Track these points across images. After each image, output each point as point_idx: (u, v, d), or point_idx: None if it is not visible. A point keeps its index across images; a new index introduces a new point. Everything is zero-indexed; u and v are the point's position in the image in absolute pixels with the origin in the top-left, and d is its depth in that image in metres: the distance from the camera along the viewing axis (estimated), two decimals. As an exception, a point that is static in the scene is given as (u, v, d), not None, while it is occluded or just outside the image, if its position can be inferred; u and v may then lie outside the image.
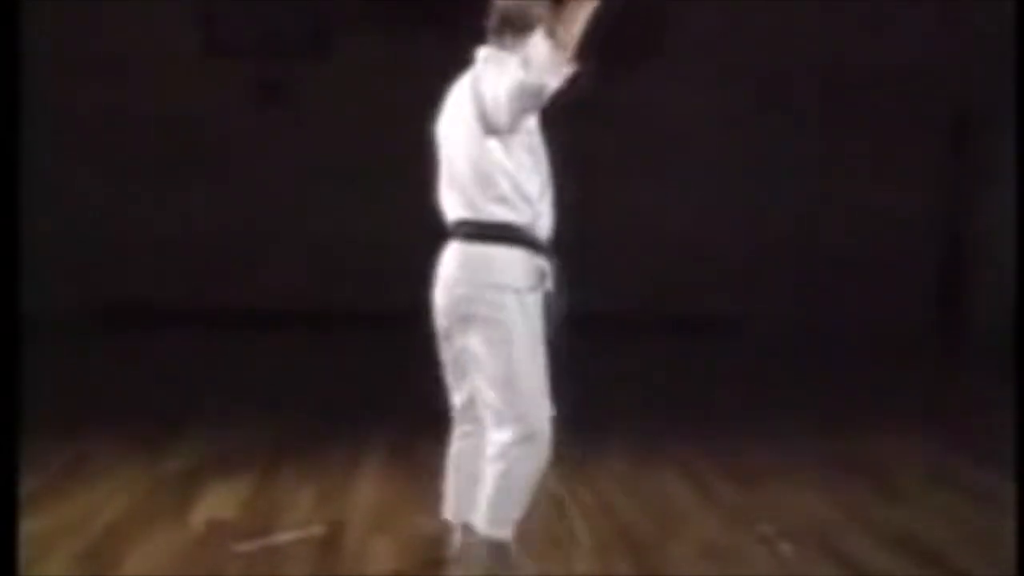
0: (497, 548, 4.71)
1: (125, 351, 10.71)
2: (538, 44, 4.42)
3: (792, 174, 12.05)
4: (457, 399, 4.96)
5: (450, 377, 4.93)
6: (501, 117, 4.54)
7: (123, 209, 11.95)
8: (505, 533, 4.72)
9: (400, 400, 8.26)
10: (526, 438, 4.64)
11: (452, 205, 4.78)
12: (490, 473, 4.68)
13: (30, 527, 5.25)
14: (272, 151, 11.97)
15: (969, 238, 11.93)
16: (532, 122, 4.69)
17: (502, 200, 4.64)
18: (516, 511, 4.73)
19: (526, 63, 4.44)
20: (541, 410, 4.67)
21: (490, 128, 4.59)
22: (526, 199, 4.66)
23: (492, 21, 4.78)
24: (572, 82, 4.51)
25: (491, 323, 4.64)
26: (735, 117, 11.97)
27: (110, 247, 11.92)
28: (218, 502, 6.03)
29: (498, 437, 4.67)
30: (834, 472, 6.79)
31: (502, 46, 4.72)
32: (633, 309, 11.74)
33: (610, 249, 11.84)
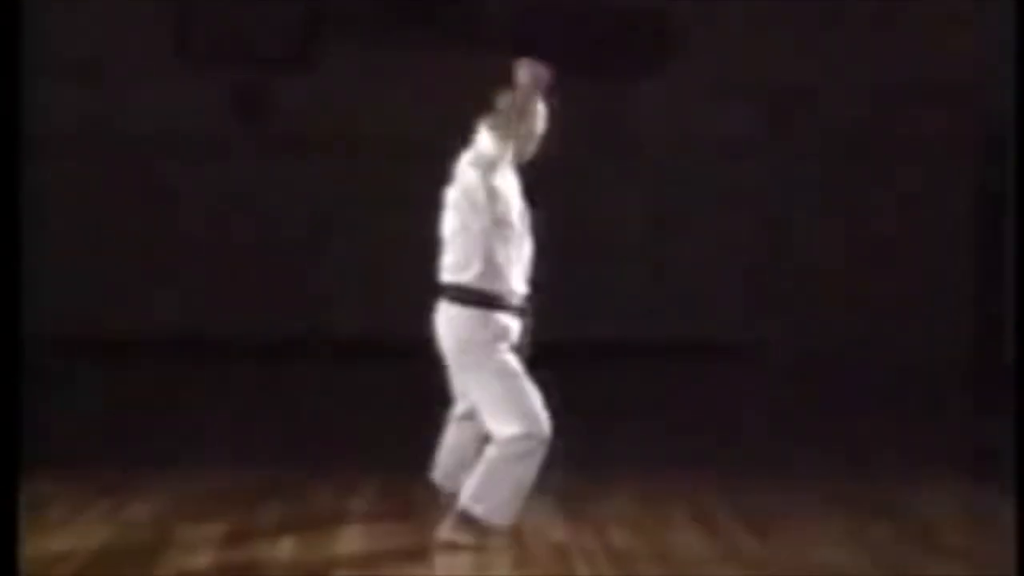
0: (468, 520, 5.83)
1: (89, 385, 10.57)
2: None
3: (810, 194, 11.99)
4: None
5: None
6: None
7: (86, 233, 11.80)
8: (480, 510, 5.81)
9: (393, 438, 8.20)
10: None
11: None
12: (487, 455, 5.83)
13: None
14: (251, 166, 11.91)
15: (1006, 264, 11.78)
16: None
17: None
18: (498, 495, 5.81)
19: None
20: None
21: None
22: None
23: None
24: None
25: None
26: (747, 134, 11.92)
27: (73, 275, 11.71)
28: (189, 552, 5.88)
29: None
30: (861, 518, 6.62)
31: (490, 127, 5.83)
32: (637, 335, 11.65)
33: (613, 271, 11.79)
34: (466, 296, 5.86)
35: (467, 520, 5.86)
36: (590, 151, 11.30)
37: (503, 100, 5.84)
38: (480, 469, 5.84)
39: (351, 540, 6.08)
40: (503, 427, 5.80)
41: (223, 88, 11.83)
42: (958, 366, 11.59)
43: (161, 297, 11.80)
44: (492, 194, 5.84)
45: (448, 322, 5.91)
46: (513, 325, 5.92)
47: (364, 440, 8.47)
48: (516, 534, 5.98)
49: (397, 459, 7.33)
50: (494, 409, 5.85)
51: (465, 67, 9.47)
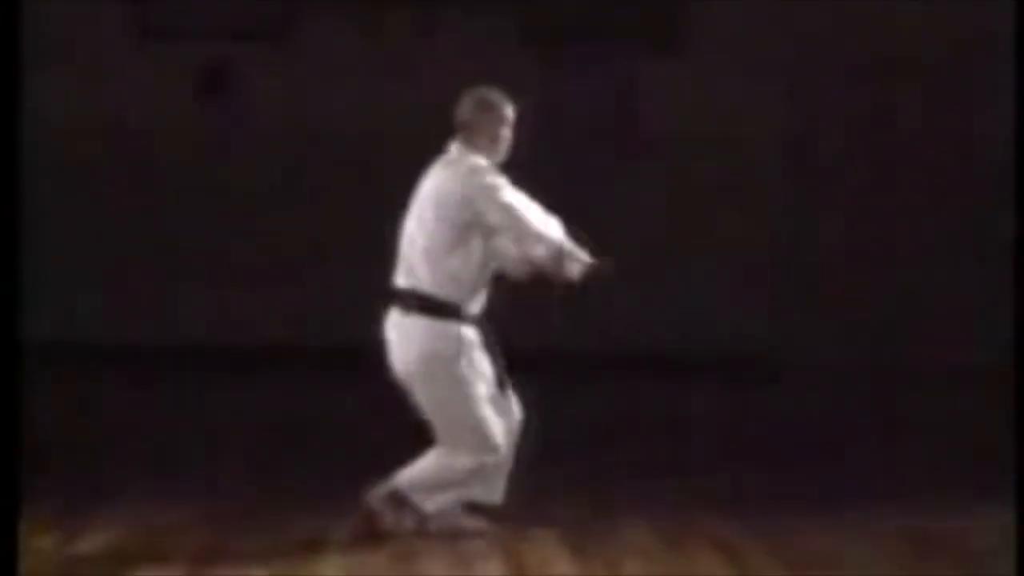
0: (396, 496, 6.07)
1: (43, 396, 10.08)
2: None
3: (834, 185, 11.89)
4: None
5: None
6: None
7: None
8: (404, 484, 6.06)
9: (380, 457, 7.63)
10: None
11: None
12: (434, 454, 6.03)
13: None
14: (217, 149, 11.77)
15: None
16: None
17: None
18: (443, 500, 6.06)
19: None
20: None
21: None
22: None
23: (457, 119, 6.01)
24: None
25: None
26: (764, 123, 11.79)
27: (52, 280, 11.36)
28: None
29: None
30: (905, 551, 6.31)
31: (467, 145, 5.96)
32: (650, 348, 11.46)
33: (624, 278, 11.41)
34: (432, 306, 5.88)
35: (399, 502, 6.04)
36: (590, 140, 11.08)
37: (465, 109, 5.97)
38: (427, 467, 6.03)
39: (328, 570, 5.82)
40: (455, 453, 5.95)
41: (189, 64, 11.74)
42: (1003, 372, 11.28)
43: (121, 301, 11.69)
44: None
45: (410, 333, 5.93)
46: (477, 338, 5.97)
47: (349, 460, 8.04)
48: (519, 569, 5.75)
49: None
50: (449, 431, 5.95)
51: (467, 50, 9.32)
